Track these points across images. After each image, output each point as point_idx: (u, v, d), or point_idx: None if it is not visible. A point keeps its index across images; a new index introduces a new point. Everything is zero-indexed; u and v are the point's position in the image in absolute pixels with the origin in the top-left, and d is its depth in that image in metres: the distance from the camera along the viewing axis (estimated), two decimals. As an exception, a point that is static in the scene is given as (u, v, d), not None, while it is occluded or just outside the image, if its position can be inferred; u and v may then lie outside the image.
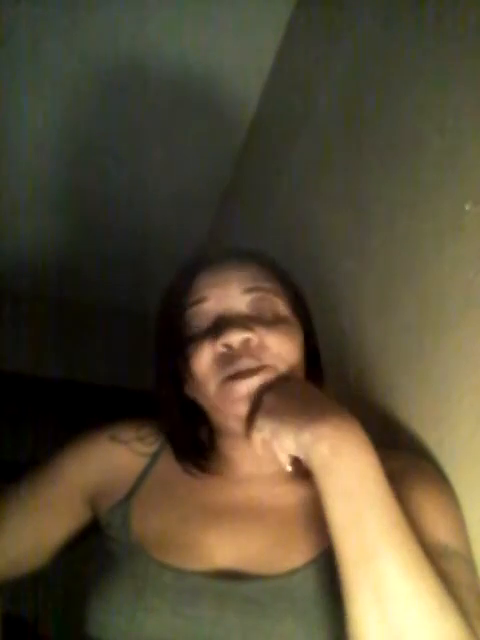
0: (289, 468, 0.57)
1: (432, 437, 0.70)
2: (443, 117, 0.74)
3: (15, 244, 2.04)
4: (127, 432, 0.73)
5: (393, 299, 0.82)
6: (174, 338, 0.65)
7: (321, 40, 1.14)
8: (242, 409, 0.60)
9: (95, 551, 0.68)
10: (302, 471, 0.57)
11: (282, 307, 0.66)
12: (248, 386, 0.60)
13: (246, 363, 0.60)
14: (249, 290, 0.64)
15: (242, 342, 0.61)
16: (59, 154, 1.68)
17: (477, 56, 0.68)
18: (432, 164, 0.75)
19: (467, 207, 0.67)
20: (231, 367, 0.60)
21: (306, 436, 0.53)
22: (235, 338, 0.60)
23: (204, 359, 0.62)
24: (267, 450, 0.58)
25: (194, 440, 0.69)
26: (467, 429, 0.64)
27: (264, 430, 0.57)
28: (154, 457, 0.72)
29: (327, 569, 0.58)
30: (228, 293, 0.64)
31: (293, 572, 0.58)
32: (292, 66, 1.28)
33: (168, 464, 0.70)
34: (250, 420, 0.59)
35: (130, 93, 1.47)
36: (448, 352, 0.69)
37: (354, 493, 0.50)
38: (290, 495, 0.65)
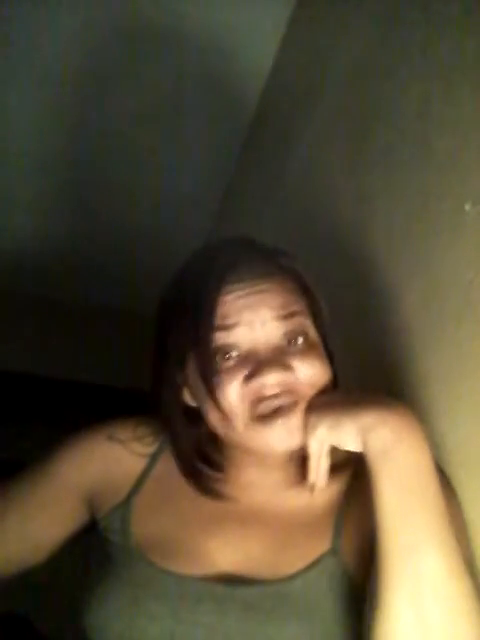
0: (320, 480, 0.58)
1: (432, 437, 0.70)
2: (443, 116, 0.73)
3: (13, 243, 2.04)
4: (124, 431, 0.72)
5: (393, 299, 0.82)
6: (190, 351, 0.60)
7: (330, 21, 1.12)
8: (281, 449, 0.58)
9: (94, 553, 0.67)
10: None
11: (312, 330, 0.62)
12: (287, 428, 0.57)
13: (279, 402, 0.58)
14: (283, 317, 0.60)
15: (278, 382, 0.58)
16: (59, 153, 1.68)
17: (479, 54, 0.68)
18: (432, 164, 0.75)
19: (467, 207, 0.66)
20: (263, 405, 0.58)
21: (369, 419, 0.52)
22: (272, 381, 0.57)
23: (233, 395, 0.58)
24: (320, 454, 0.57)
25: (197, 449, 0.66)
26: (467, 429, 0.64)
27: (320, 427, 0.55)
28: (153, 458, 0.71)
29: (328, 573, 0.58)
30: (261, 319, 0.59)
31: (294, 576, 0.58)
32: (294, 64, 1.28)
33: (168, 466, 0.69)
34: (305, 420, 0.57)
35: (130, 84, 1.45)
36: (448, 352, 0.68)
37: (409, 483, 0.50)
38: (292, 500, 0.64)
